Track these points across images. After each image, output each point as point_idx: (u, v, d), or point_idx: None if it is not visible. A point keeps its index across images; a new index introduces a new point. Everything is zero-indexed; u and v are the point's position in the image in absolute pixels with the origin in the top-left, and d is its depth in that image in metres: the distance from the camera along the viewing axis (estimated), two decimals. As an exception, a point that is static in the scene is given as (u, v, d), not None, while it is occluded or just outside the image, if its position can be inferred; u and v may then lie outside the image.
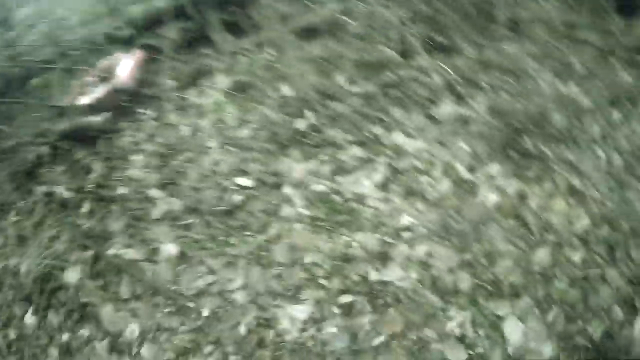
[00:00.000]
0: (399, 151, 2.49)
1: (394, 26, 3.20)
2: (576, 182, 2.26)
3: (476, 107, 2.68)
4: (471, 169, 2.36)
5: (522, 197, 2.24)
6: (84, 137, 3.20)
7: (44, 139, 3.28)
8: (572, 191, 2.24)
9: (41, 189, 3.03)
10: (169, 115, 3.15)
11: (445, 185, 2.32)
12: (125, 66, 3.41)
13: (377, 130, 2.62)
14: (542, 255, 2.04)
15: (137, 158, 2.93)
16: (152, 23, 3.70)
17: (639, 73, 2.88)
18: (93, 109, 3.29)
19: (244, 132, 2.84)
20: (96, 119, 3.16)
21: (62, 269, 2.51)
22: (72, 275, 2.43)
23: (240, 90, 3.13)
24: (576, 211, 2.16)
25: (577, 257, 2.04)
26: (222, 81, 3.29)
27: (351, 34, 3.30)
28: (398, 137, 2.53)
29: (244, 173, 2.60)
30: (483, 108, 2.69)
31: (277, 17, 3.69)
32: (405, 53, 3.07)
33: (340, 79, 2.96)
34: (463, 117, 2.65)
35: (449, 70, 2.89)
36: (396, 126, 2.60)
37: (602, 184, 2.24)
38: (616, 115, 2.61)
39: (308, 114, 2.78)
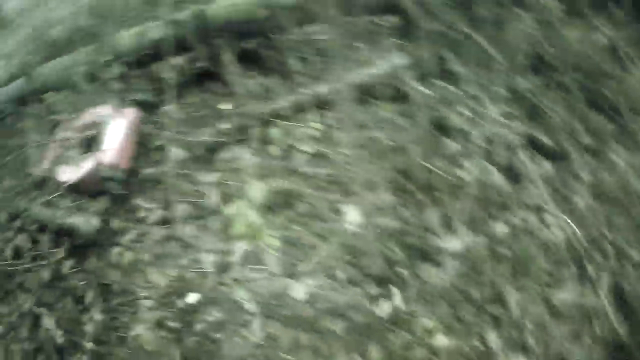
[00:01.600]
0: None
1: (490, 121, 2.31)
2: None
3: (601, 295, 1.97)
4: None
5: None
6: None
7: (20, 223, 2.50)
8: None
9: (26, 305, 2.38)
10: (179, 227, 2.31)
11: None
12: (115, 132, 2.45)
13: (489, 333, 1.90)
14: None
15: (146, 305, 2.19)
16: (146, 57, 2.63)
17: None
18: (75, 190, 2.43)
19: (297, 293, 2.09)
20: (80, 220, 2.32)
21: None
22: None
23: (281, 199, 2.28)
24: None
25: None
26: (248, 163, 2.41)
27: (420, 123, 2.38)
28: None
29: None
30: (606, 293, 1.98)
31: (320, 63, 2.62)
32: (512, 171, 2.24)
33: (433, 217, 2.16)
34: (586, 310, 1.94)
35: (570, 222, 2.11)
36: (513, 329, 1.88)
37: None
38: None
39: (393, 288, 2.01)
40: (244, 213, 2.22)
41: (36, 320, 2.41)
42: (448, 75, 2.50)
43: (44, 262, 2.48)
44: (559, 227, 2.18)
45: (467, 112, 2.41)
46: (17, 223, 2.54)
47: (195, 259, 2.24)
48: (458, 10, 2.63)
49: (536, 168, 2.39)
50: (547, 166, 2.42)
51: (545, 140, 2.46)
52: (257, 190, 2.25)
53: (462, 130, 2.39)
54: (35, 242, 2.51)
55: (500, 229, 2.18)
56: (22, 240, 2.52)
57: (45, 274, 2.46)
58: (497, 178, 2.32)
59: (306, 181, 2.29)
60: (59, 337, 2.29)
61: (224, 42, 2.56)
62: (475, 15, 2.66)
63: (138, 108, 2.57)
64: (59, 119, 2.64)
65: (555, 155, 2.43)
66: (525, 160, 2.37)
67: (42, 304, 2.41)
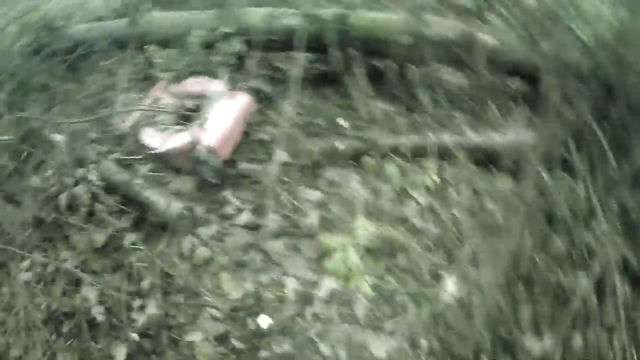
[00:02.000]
0: None
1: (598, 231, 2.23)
2: None
3: None
4: None
5: None
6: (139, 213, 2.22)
7: (84, 174, 2.26)
8: None
9: (65, 263, 2.17)
10: (268, 239, 2.11)
11: None
12: (223, 114, 2.22)
13: None
14: None
15: (210, 312, 2.00)
16: (271, 43, 2.40)
17: None
18: (158, 160, 2.20)
19: (377, 350, 1.94)
20: (158, 196, 2.09)
21: None
22: None
23: (385, 246, 2.11)
24: None
25: None
26: (357, 195, 2.23)
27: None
28: None
29: None
30: None
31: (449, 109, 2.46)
32: (602, 287, 2.17)
33: (525, 313, 2.07)
34: None
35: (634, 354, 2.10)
36: None
37: None
38: None
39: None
40: (344, 249, 2.09)
41: (75, 283, 2.20)
42: (567, 167, 2.46)
43: (101, 225, 2.28)
44: (622, 353, 2.20)
45: (578, 214, 2.39)
46: (81, 172, 2.31)
47: (278, 279, 2.05)
48: (591, 103, 2.58)
49: (621, 290, 2.39)
50: (627, 289, 2.43)
51: (634, 264, 2.47)
52: (364, 228, 2.11)
53: (570, 231, 2.36)
54: (96, 199, 2.29)
55: (577, 341, 2.17)
56: (81, 192, 2.29)
57: (99, 238, 2.24)
58: (590, 292, 2.31)
59: (414, 234, 2.14)
60: (98, 314, 2.08)
61: (358, 54, 2.38)
62: (605, 113, 2.62)
63: (251, 95, 2.36)
64: (158, 76, 2.38)
65: (636, 280, 2.44)
66: (615, 280, 2.37)
67: (86, 269, 2.20)
